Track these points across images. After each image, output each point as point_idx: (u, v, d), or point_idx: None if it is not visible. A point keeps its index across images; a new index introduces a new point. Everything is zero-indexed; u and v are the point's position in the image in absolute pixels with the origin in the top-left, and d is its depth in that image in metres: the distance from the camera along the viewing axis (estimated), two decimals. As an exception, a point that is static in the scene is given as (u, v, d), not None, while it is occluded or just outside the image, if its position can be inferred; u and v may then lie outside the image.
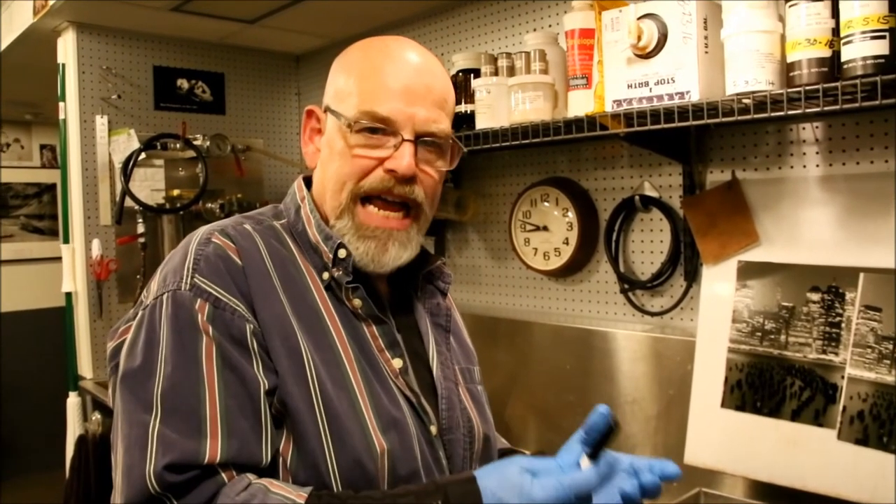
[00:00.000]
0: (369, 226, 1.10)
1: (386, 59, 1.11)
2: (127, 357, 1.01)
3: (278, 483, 0.95)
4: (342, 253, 1.10)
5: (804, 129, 1.72)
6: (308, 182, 1.21)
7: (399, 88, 1.08)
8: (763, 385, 1.67)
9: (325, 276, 1.11)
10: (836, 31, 1.35)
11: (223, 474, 0.93)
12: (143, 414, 0.95)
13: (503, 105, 1.98)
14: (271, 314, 1.03)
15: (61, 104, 2.90)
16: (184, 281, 1.01)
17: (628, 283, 2.09)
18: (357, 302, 1.10)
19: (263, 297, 1.04)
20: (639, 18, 1.57)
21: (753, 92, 1.42)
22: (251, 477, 0.95)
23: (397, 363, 1.10)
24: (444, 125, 1.12)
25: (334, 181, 1.11)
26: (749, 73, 1.42)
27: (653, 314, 2.04)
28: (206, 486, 0.92)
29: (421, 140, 1.10)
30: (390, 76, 1.09)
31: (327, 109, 1.15)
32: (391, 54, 1.12)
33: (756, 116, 1.44)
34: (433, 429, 1.10)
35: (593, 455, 0.96)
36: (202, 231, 1.09)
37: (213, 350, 0.98)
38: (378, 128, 1.08)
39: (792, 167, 1.74)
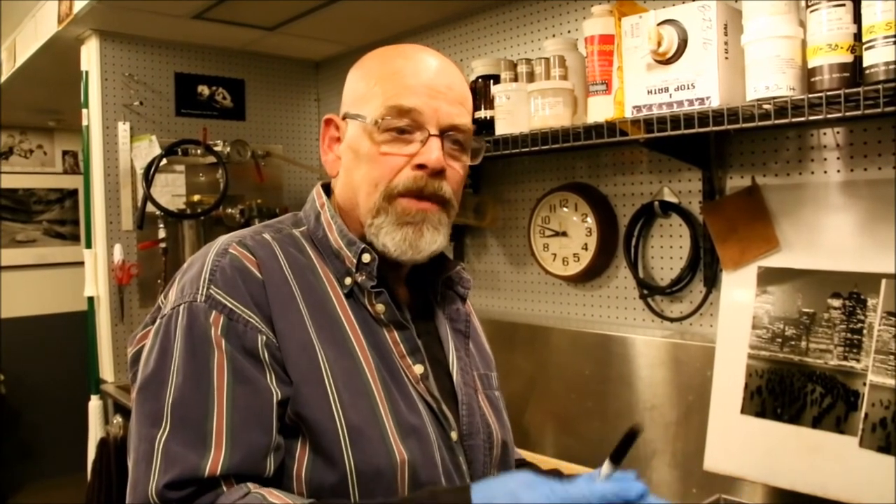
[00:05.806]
0: (409, 211, 1.09)
1: (405, 61, 1.13)
2: (143, 367, 1.03)
3: (277, 492, 0.95)
4: (366, 258, 1.10)
5: (825, 134, 1.71)
6: (327, 189, 1.22)
7: (421, 85, 1.10)
8: (783, 391, 1.66)
9: (347, 281, 1.11)
10: (857, 36, 1.34)
11: (224, 486, 0.94)
12: (151, 427, 0.96)
13: (523, 111, 1.99)
14: (290, 324, 1.04)
15: (84, 111, 2.94)
16: (199, 293, 1.02)
17: (648, 289, 2.08)
18: (380, 307, 1.10)
19: (282, 307, 1.04)
20: (659, 24, 1.57)
21: (774, 97, 1.42)
22: (251, 486, 0.95)
23: (418, 369, 1.10)
24: (466, 119, 1.14)
25: (366, 184, 1.11)
26: (770, 79, 1.42)
27: (672, 320, 2.03)
28: (205, 498, 0.93)
29: (446, 135, 1.11)
30: (412, 75, 1.11)
31: (346, 116, 1.15)
32: (409, 57, 1.14)
33: (777, 122, 1.44)
34: (454, 435, 1.10)
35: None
36: (220, 241, 1.10)
37: (224, 363, 0.99)
38: (404, 125, 1.09)
39: (813, 173, 1.74)
